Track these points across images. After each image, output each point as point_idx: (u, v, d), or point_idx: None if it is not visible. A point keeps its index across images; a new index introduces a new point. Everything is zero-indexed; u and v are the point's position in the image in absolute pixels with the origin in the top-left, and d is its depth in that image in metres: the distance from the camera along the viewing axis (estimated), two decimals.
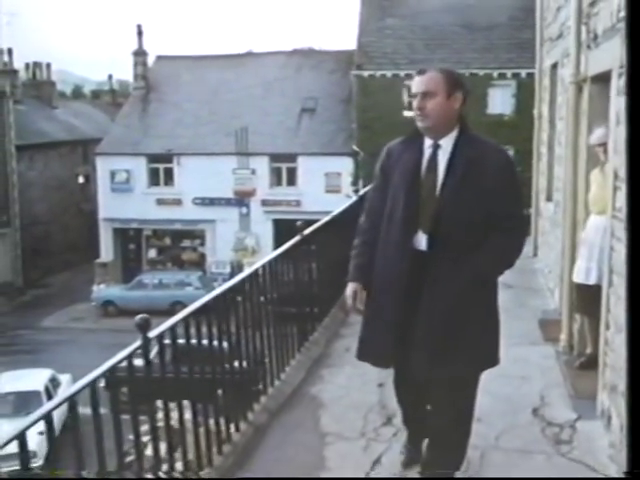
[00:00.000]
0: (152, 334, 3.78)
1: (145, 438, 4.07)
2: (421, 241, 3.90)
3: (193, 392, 4.52)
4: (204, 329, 4.62)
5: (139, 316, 3.60)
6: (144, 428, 4.06)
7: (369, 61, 32.78)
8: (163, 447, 4.14)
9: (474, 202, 3.80)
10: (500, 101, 31.52)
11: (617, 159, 4.81)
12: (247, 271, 5.61)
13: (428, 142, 3.96)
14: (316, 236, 7.23)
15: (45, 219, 41.05)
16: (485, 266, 3.88)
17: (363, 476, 4.51)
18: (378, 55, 32.79)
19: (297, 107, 36.00)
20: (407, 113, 30.36)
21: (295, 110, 35.91)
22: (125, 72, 55.69)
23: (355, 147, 32.92)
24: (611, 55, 4.99)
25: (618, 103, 4.79)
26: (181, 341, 4.32)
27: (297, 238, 6.61)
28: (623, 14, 4.67)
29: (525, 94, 24.32)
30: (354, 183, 32.37)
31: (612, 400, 4.85)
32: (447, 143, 3.91)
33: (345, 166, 33.54)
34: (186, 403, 4.38)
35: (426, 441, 4.36)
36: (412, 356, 3.92)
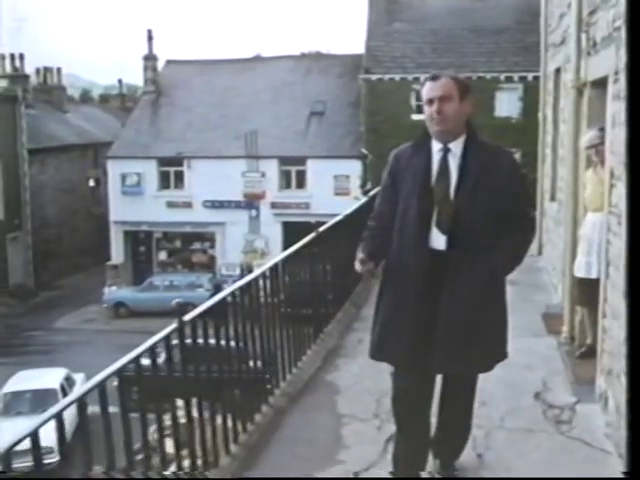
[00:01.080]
0: (187, 317, 4.15)
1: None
2: (439, 241, 4.02)
3: (222, 385, 4.89)
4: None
5: (175, 301, 3.99)
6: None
7: (377, 65, 33.13)
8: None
9: (488, 204, 3.97)
10: (507, 104, 31.84)
11: (613, 159, 5.16)
12: (264, 267, 5.97)
13: (437, 146, 4.09)
14: (330, 234, 7.61)
15: (56, 222, 41.46)
16: (501, 264, 4.06)
17: (378, 454, 4.87)
18: (386, 59, 33.15)
19: (306, 110, 36.34)
20: (417, 117, 30.72)
21: (304, 113, 36.27)
22: (133, 76, 56.08)
23: (363, 150, 33.25)
24: (607, 62, 5.35)
25: (614, 107, 5.15)
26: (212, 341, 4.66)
27: (312, 235, 6.98)
28: (618, 24, 5.04)
29: (532, 97, 24.53)
30: (362, 186, 32.74)
31: (609, 383, 5.20)
32: (456, 147, 4.05)
33: (353, 169, 33.87)
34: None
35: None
36: (432, 354, 4.02)
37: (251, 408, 5.25)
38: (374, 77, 32.91)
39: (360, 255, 4.13)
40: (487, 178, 3.98)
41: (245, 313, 5.25)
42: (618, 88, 4.97)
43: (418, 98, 31.70)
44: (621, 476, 4.43)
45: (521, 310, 8.34)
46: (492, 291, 4.12)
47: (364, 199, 10.87)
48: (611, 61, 5.18)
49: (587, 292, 6.29)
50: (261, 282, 5.61)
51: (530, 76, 29.03)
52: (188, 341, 4.37)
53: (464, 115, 4.06)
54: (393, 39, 33.73)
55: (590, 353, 6.27)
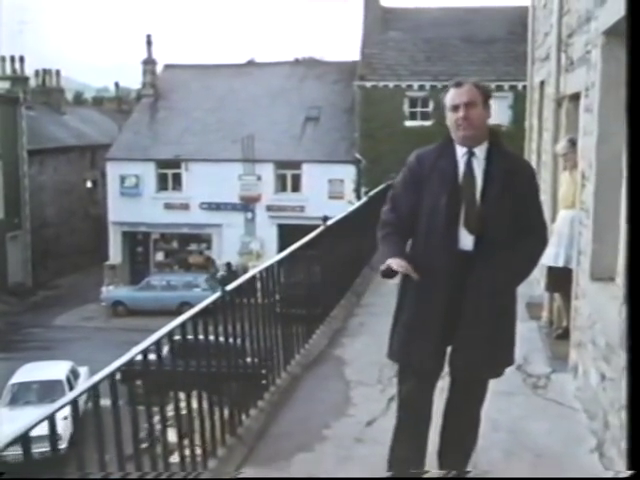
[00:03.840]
0: (229, 287, 5.01)
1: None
2: (466, 242, 4.10)
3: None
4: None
5: (220, 272, 4.80)
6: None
7: (372, 72, 34.05)
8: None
9: (511, 209, 4.08)
10: (498, 112, 32.64)
11: (583, 163, 6.05)
12: (279, 256, 6.79)
13: (461, 150, 4.16)
14: (337, 228, 8.47)
15: (54, 222, 42.21)
16: (521, 268, 4.21)
17: (381, 410, 5.72)
18: (381, 66, 34.10)
19: (301, 116, 37.21)
20: (410, 123, 31.66)
21: (299, 119, 37.13)
22: (127, 79, 56.81)
23: (357, 155, 34.15)
24: (580, 80, 6.24)
25: (584, 118, 6.04)
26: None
27: (321, 228, 7.85)
28: (589, 48, 5.93)
29: (522, 105, 25.08)
30: (356, 190, 33.69)
31: (579, 354, 6.07)
32: (480, 152, 4.15)
33: (348, 173, 34.74)
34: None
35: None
36: (455, 357, 4.18)
37: (273, 375, 6.13)
38: (369, 84, 33.84)
39: (397, 263, 3.98)
40: (510, 184, 4.09)
41: (268, 293, 6.12)
42: (587, 102, 5.86)
43: (412, 105, 32.73)
44: (585, 427, 5.32)
45: None
46: (510, 296, 4.27)
47: (363, 199, 11.71)
48: (583, 79, 6.08)
49: (555, 279, 7.26)
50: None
51: (520, 85, 29.86)
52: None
53: (487, 119, 4.19)
54: (388, 47, 34.70)
55: (565, 335, 7.15)
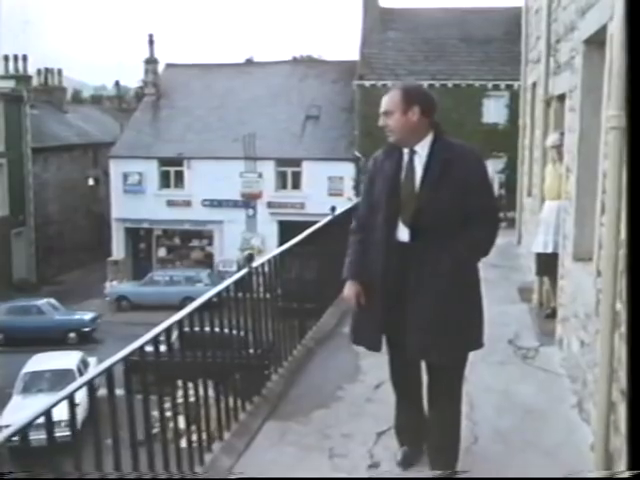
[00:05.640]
0: (255, 264, 5.71)
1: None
2: (403, 234, 4.27)
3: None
4: None
5: (246, 252, 5.49)
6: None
7: (371, 71, 34.72)
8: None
9: (451, 197, 4.16)
10: (494, 111, 33.51)
11: (568, 156, 6.76)
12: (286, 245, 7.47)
13: (406, 149, 4.35)
14: (343, 218, 9.13)
15: (58, 219, 42.87)
16: (464, 255, 4.25)
17: (388, 377, 6.41)
18: (380, 66, 34.78)
19: (302, 114, 37.95)
20: None
21: (300, 117, 37.87)
22: (124, 77, 57.17)
23: (357, 153, 34.80)
24: (566, 82, 6.96)
25: (568, 117, 6.75)
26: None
27: (329, 217, 8.54)
28: (573, 54, 6.63)
29: (518, 104, 26.03)
30: (355, 187, 34.40)
31: (564, 328, 6.78)
32: (422, 148, 4.29)
33: (347, 171, 35.46)
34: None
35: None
36: (407, 342, 4.29)
37: (291, 347, 6.85)
38: (368, 83, 34.46)
39: (352, 287, 4.46)
40: (450, 174, 4.18)
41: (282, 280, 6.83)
42: (571, 103, 6.56)
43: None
44: (568, 388, 6.02)
45: (501, 286, 10.01)
46: (460, 282, 4.28)
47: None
48: (567, 82, 6.80)
49: (545, 264, 7.99)
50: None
51: (516, 84, 30.32)
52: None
53: (410, 124, 4.28)
54: (386, 47, 35.39)
55: (553, 314, 7.83)
